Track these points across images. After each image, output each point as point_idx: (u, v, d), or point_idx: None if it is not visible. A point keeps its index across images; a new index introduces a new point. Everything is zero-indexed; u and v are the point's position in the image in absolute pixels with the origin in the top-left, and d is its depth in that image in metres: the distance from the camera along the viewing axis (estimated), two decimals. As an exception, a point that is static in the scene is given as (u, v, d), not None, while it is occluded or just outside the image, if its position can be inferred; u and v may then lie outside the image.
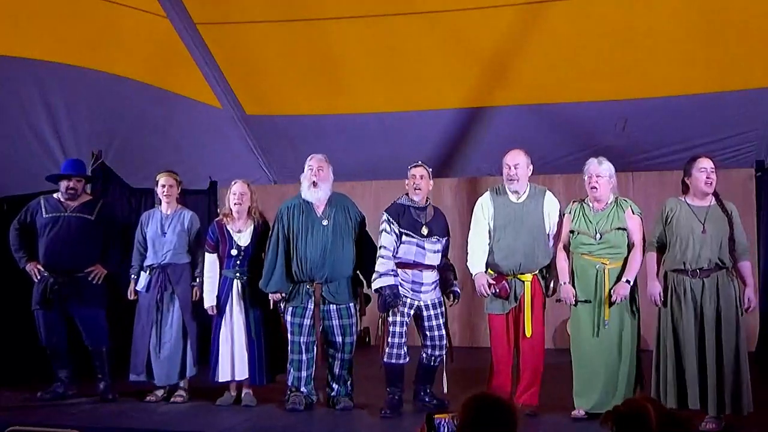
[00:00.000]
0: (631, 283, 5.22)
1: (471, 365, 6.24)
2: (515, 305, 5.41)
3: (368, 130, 8.43)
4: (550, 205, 5.50)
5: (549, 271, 5.49)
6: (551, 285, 5.49)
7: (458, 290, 5.69)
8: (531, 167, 5.51)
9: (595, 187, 5.29)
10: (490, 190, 5.63)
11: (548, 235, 5.47)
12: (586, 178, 5.36)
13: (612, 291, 5.19)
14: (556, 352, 7.44)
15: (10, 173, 7.46)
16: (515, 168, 5.42)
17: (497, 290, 5.39)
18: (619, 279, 5.22)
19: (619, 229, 5.26)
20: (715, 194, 5.15)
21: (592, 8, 7.10)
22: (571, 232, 5.34)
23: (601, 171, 5.31)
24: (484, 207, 5.54)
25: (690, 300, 5.01)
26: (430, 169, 5.68)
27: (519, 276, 5.40)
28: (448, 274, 5.66)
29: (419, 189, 5.55)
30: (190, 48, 7.83)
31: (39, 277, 6.07)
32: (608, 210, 5.31)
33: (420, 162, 5.67)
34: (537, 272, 5.43)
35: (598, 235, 5.24)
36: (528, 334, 5.36)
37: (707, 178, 5.07)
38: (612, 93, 7.72)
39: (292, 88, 8.36)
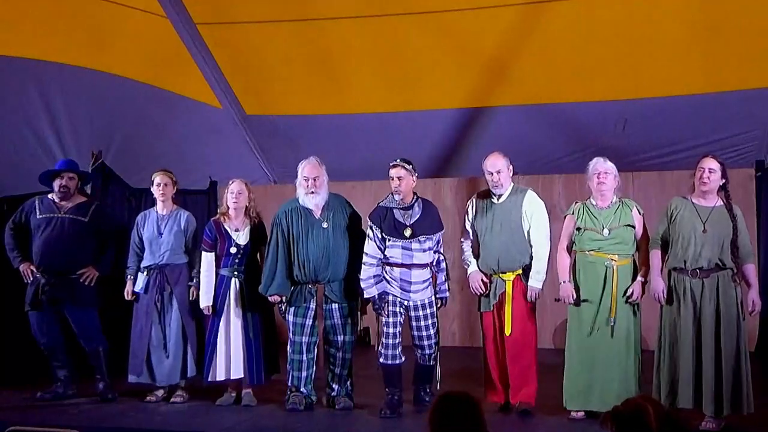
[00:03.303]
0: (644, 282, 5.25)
1: (471, 365, 6.25)
2: (496, 302, 5.43)
3: (368, 130, 8.42)
4: (529, 203, 5.47)
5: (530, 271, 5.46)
6: (530, 286, 5.43)
7: (446, 295, 5.69)
8: (512, 168, 5.53)
9: (604, 183, 5.32)
10: (477, 192, 5.69)
11: (527, 233, 5.45)
12: (592, 175, 5.37)
13: (628, 290, 5.22)
14: (556, 352, 7.43)
15: (10, 173, 7.47)
16: (497, 174, 5.45)
17: (482, 289, 5.49)
18: (633, 278, 5.26)
19: (627, 225, 5.29)
20: (726, 196, 5.15)
21: (592, 8, 7.10)
22: (578, 229, 5.35)
23: (608, 168, 5.36)
24: (469, 210, 5.65)
25: (689, 300, 5.02)
26: (411, 166, 5.51)
27: (500, 275, 5.42)
28: (438, 275, 5.64)
29: (399, 190, 5.47)
30: (190, 48, 7.83)
31: (31, 278, 6.06)
32: (614, 208, 5.34)
33: (398, 160, 5.52)
34: (520, 272, 5.43)
35: (606, 231, 5.25)
36: (507, 332, 5.37)
37: (700, 177, 5.11)
38: (612, 93, 7.72)
39: (292, 88, 8.36)
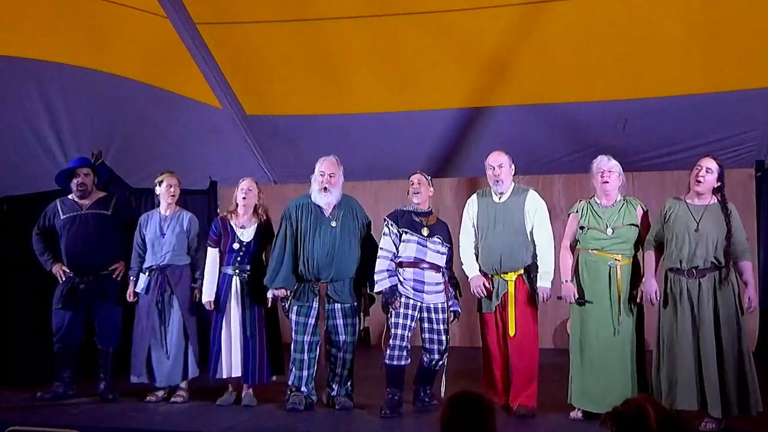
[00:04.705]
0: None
1: (471, 365, 6.24)
2: (499, 303, 5.43)
3: (368, 130, 8.42)
4: (532, 203, 5.50)
5: (535, 270, 5.47)
6: (538, 286, 5.45)
7: (458, 309, 5.69)
8: (513, 167, 5.56)
9: (607, 181, 5.32)
10: (477, 192, 5.70)
11: (530, 233, 5.47)
12: (596, 174, 5.37)
13: (637, 291, 5.22)
14: (556, 352, 7.44)
15: (10, 173, 7.47)
16: (499, 168, 5.48)
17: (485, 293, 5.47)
18: (633, 277, 5.25)
19: (631, 225, 5.28)
20: (721, 195, 5.12)
21: (592, 8, 7.10)
22: (581, 228, 5.35)
23: (611, 166, 5.36)
24: (469, 209, 5.63)
25: (686, 301, 5.00)
26: (429, 177, 5.75)
27: (502, 275, 5.42)
28: (452, 287, 5.64)
29: (418, 193, 5.61)
30: (190, 48, 7.83)
31: (64, 278, 6.10)
32: (618, 206, 5.33)
33: (418, 171, 5.77)
34: (522, 272, 5.43)
35: (610, 230, 5.25)
36: (511, 333, 5.37)
37: (696, 175, 5.09)
38: (612, 93, 7.72)
39: (292, 88, 8.36)
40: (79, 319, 6.13)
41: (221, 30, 7.81)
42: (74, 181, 6.20)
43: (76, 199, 6.22)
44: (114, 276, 6.15)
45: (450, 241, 5.68)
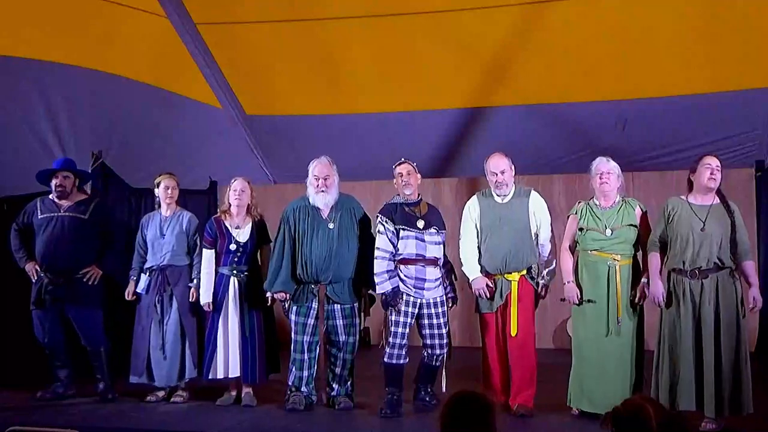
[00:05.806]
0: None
1: (471, 365, 6.24)
2: (502, 303, 5.42)
3: (368, 130, 8.43)
4: (536, 204, 5.53)
5: (539, 271, 5.50)
6: (541, 283, 5.49)
7: (455, 295, 5.70)
8: (513, 168, 5.54)
9: (606, 183, 5.33)
10: (477, 194, 5.68)
11: (535, 234, 5.48)
12: (595, 175, 5.38)
13: (634, 292, 5.22)
14: (556, 352, 7.45)
15: (10, 174, 7.46)
16: (502, 174, 5.47)
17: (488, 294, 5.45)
18: (634, 277, 5.26)
19: (630, 225, 5.28)
20: (720, 194, 5.14)
21: (592, 8, 7.10)
22: (580, 229, 5.36)
23: (611, 168, 5.37)
24: (471, 209, 5.61)
25: (689, 301, 5.00)
26: (415, 164, 5.69)
27: (506, 275, 5.42)
28: (446, 275, 5.65)
29: (409, 184, 5.59)
30: (190, 48, 7.83)
31: (36, 278, 6.09)
32: (617, 207, 5.34)
33: (403, 159, 5.71)
34: (525, 272, 5.44)
35: (609, 231, 5.26)
36: (513, 333, 5.37)
37: (711, 174, 5.09)
38: (612, 93, 7.72)
39: (292, 88, 8.36)
40: (54, 319, 6.07)
41: (221, 30, 7.81)
42: (53, 181, 6.18)
43: (55, 200, 6.20)
44: (85, 280, 6.07)
45: (444, 226, 5.66)
